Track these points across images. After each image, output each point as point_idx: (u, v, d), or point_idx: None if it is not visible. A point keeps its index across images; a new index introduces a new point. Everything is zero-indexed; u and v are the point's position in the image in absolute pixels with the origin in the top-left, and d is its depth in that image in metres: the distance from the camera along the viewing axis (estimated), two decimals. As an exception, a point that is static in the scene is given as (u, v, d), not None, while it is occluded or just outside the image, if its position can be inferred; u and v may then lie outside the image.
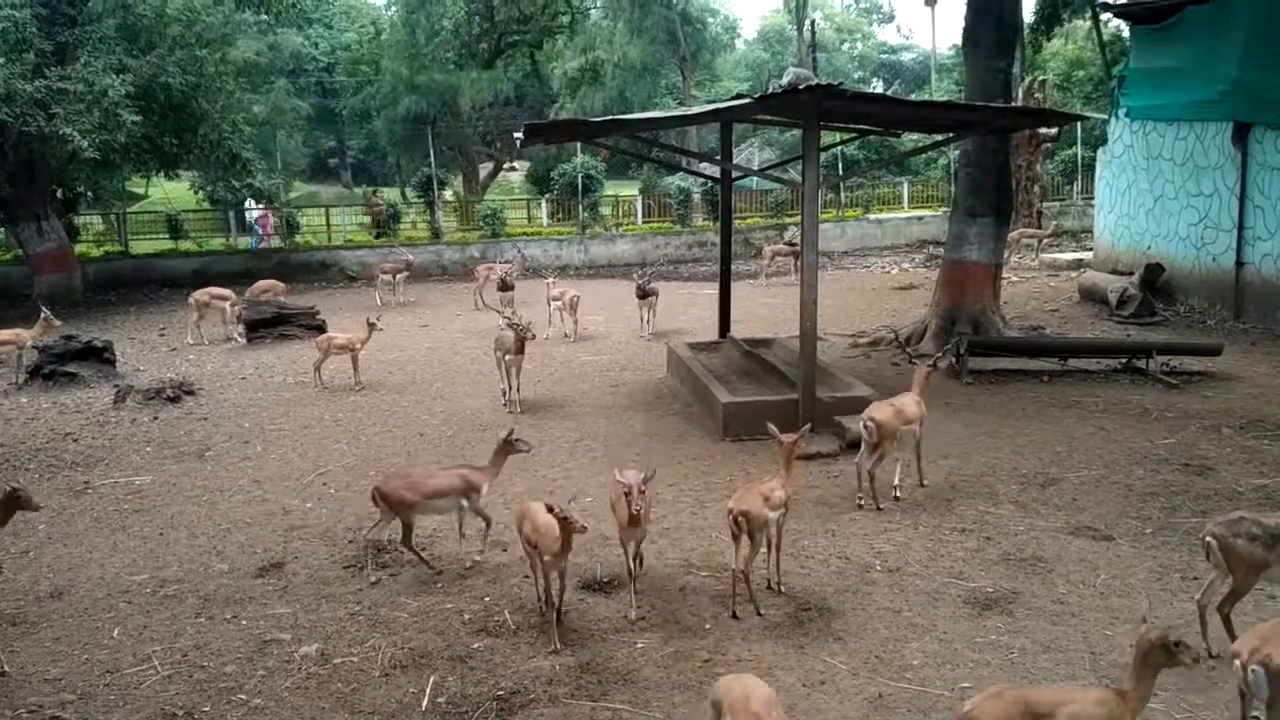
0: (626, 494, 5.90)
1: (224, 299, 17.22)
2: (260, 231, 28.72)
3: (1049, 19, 23.96)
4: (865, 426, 8.00)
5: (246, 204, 29.55)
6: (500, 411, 11.59)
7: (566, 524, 5.64)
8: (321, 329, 16.23)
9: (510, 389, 11.73)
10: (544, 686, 5.43)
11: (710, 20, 45.37)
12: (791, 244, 22.52)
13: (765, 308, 18.25)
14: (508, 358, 11.59)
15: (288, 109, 36.43)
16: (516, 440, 7.27)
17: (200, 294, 17.17)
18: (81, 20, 20.70)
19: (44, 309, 14.56)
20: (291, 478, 9.42)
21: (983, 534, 7.43)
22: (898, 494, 8.25)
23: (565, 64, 41.98)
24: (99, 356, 14.28)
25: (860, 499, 8.07)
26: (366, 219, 28.79)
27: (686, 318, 17.47)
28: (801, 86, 9.37)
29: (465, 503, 6.99)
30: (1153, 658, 4.10)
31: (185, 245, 27.18)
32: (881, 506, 7.99)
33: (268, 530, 8.03)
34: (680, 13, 42.05)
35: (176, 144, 22.59)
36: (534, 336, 11.97)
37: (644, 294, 16.01)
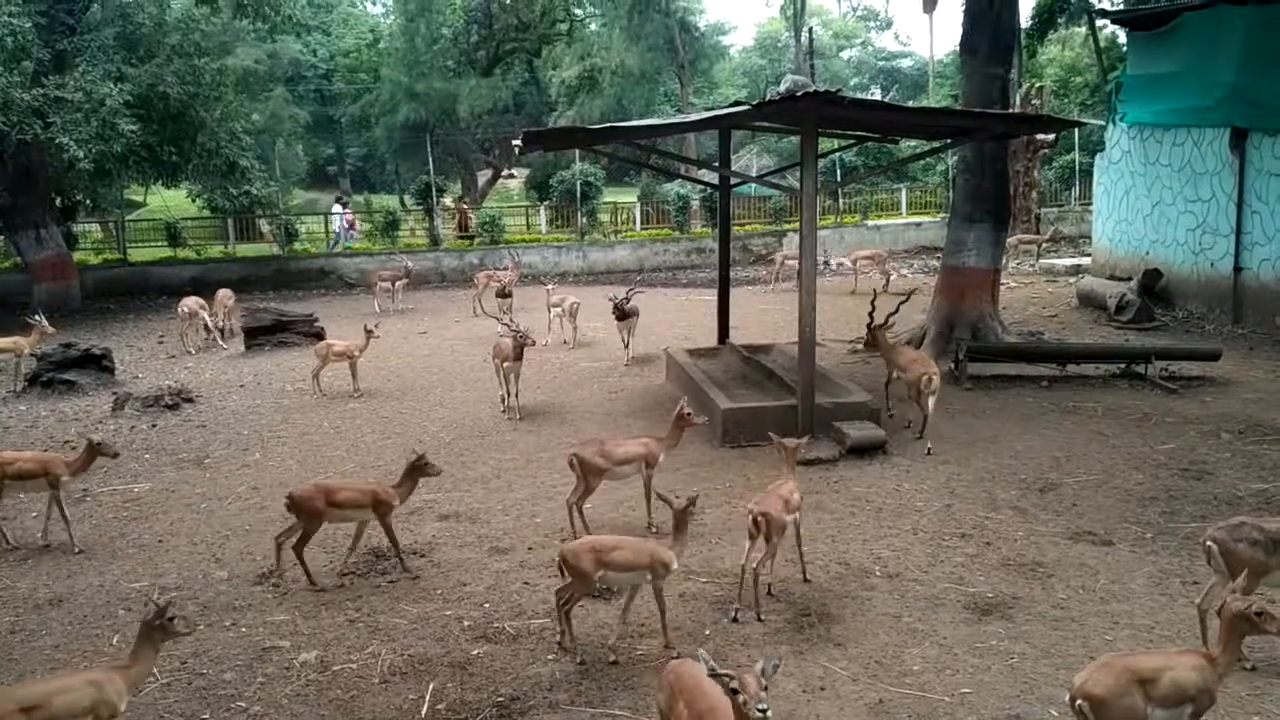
0: (734, 690, 3.64)
1: (204, 308, 17.26)
2: (348, 233, 29.47)
3: (1044, 25, 24.01)
4: (929, 380, 9.80)
5: (333, 208, 30.89)
6: (499, 418, 11.59)
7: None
8: (320, 336, 16.26)
9: (509, 396, 11.72)
10: (543, 693, 5.42)
11: (697, 20, 45.21)
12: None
13: (764, 314, 18.25)
14: (506, 364, 11.57)
15: (286, 117, 36.53)
16: (689, 414, 7.93)
17: (190, 302, 17.19)
18: (80, 29, 20.76)
19: (37, 317, 14.50)
20: (290, 485, 9.33)
21: (982, 539, 7.42)
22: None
23: (563, 71, 42.05)
24: (97, 364, 14.28)
25: (929, 447, 9.63)
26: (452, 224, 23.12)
27: (685, 324, 17.47)
28: (799, 93, 9.39)
29: (645, 470, 7.67)
30: (1237, 626, 4.35)
31: (184, 253, 27.21)
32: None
33: (267, 538, 7.99)
34: (679, 20, 42.13)
35: (175, 153, 22.62)
36: (534, 343, 11.92)
37: (623, 315, 14.39)
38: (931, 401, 9.88)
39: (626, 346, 14.70)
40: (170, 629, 4.85)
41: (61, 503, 7.94)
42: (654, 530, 7.74)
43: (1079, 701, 4.14)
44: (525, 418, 11.53)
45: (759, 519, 6.17)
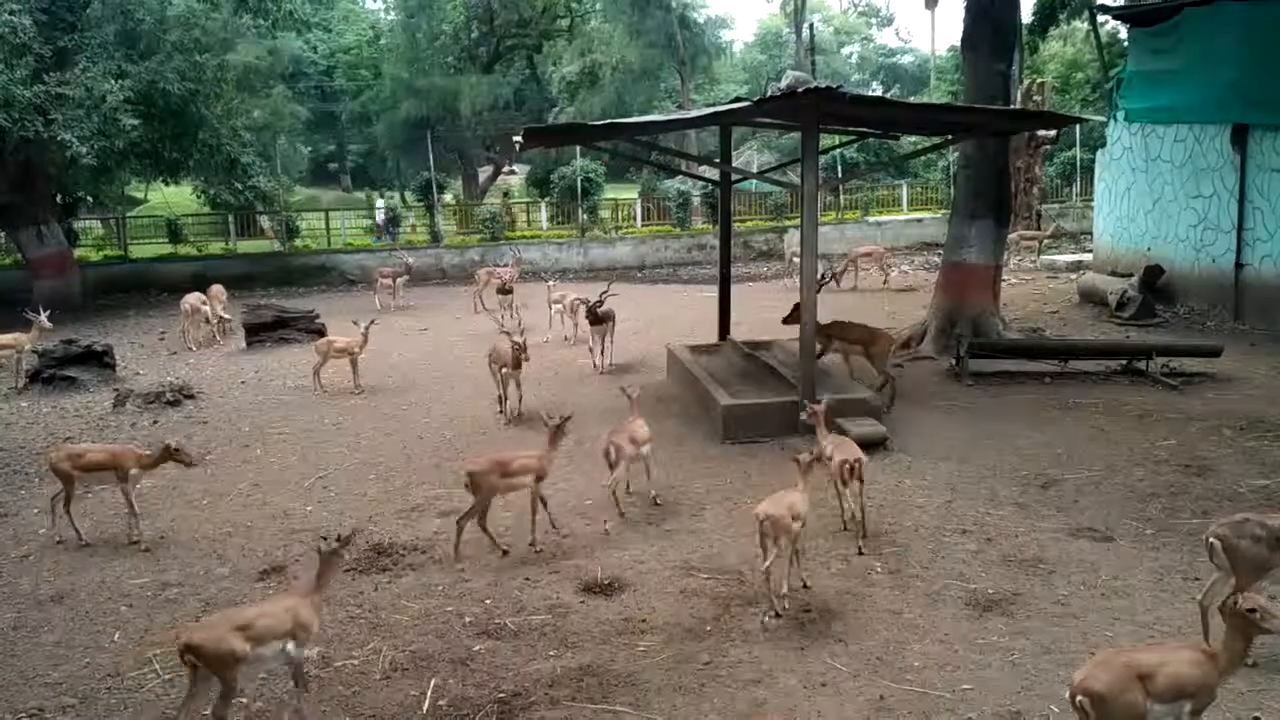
0: None
1: (206, 303, 17.26)
2: (387, 227, 29.67)
3: (1045, 20, 23.97)
4: (892, 346, 11.06)
5: (376, 204, 31.42)
6: (499, 416, 11.57)
7: None
8: (321, 333, 16.25)
9: (509, 399, 11.58)
10: (545, 689, 5.43)
11: (698, 16, 45.17)
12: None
13: (764, 310, 18.19)
14: (504, 370, 11.39)
15: (287, 113, 36.53)
16: (631, 392, 8.95)
17: (193, 298, 17.19)
18: (81, 26, 20.74)
19: (36, 313, 14.49)
20: (292, 481, 9.42)
21: (983, 535, 7.42)
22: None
23: (564, 68, 42.04)
24: (99, 361, 14.28)
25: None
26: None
27: (686, 320, 17.46)
28: (800, 90, 9.38)
29: (646, 450, 8.37)
30: (1237, 625, 4.30)
31: (185, 249, 27.22)
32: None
33: (268, 533, 8.03)
34: (679, 16, 42.09)
35: (176, 149, 22.62)
36: (529, 359, 11.37)
37: (597, 319, 13.38)
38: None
39: (601, 354, 13.82)
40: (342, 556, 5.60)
41: (130, 495, 7.90)
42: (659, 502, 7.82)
43: (1079, 698, 4.14)
44: (526, 415, 11.51)
45: (853, 465, 7.17)
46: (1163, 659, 4.26)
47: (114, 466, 7.86)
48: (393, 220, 29.42)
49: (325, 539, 5.40)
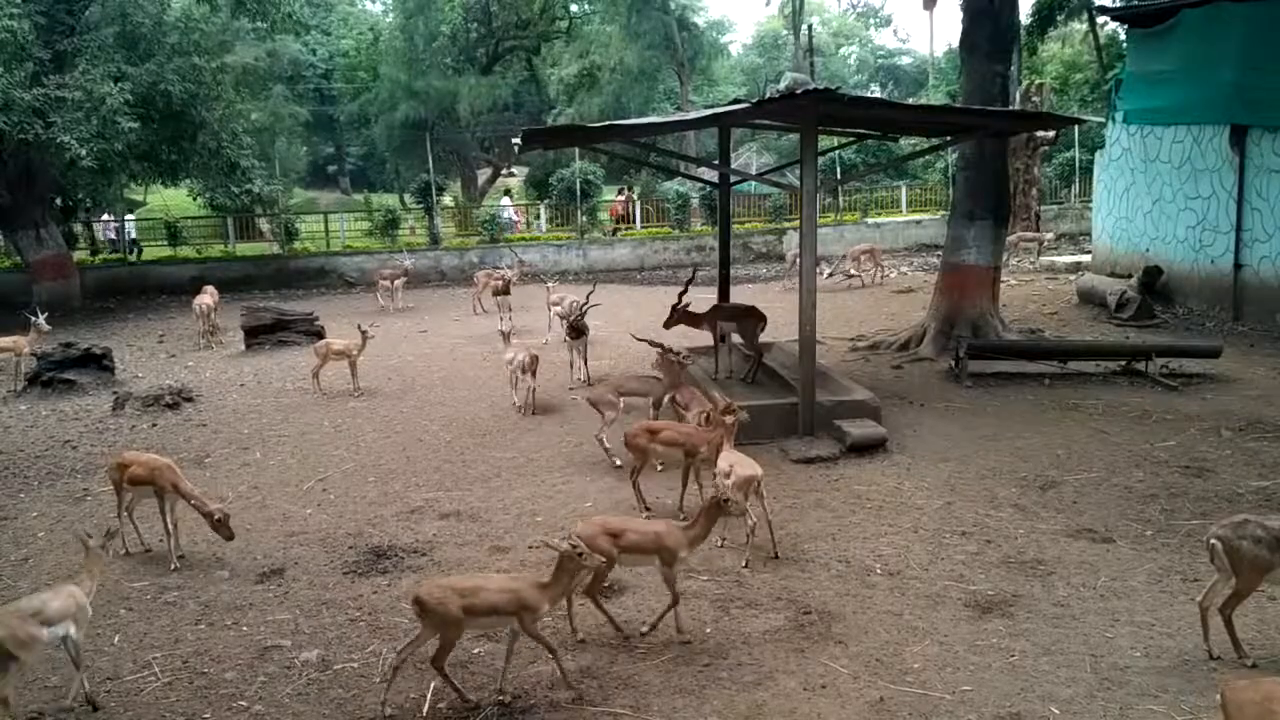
0: None
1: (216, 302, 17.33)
2: (514, 223, 30.45)
3: (1044, 21, 23.98)
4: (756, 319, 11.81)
5: (501, 201, 32.84)
6: (499, 417, 11.53)
7: None
8: (320, 335, 16.25)
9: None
10: (545, 692, 5.43)
11: (696, 18, 45.14)
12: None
13: (764, 312, 18.18)
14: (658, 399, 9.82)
15: (286, 115, 36.55)
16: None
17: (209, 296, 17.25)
18: (80, 29, 20.76)
19: (34, 315, 14.51)
20: (291, 484, 9.41)
21: (983, 537, 7.42)
22: None
23: (563, 69, 42.04)
24: (98, 363, 14.29)
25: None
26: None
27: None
28: (799, 91, 9.38)
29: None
30: None
31: (184, 252, 27.22)
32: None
33: (267, 536, 8.02)
34: (678, 18, 42.12)
35: (175, 151, 22.63)
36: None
37: (577, 333, 13.05)
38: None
39: (577, 369, 13.26)
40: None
41: (165, 512, 7.55)
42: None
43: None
44: (526, 416, 11.50)
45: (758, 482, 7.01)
46: None
47: (150, 481, 7.50)
48: (395, 223, 29.11)
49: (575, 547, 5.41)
